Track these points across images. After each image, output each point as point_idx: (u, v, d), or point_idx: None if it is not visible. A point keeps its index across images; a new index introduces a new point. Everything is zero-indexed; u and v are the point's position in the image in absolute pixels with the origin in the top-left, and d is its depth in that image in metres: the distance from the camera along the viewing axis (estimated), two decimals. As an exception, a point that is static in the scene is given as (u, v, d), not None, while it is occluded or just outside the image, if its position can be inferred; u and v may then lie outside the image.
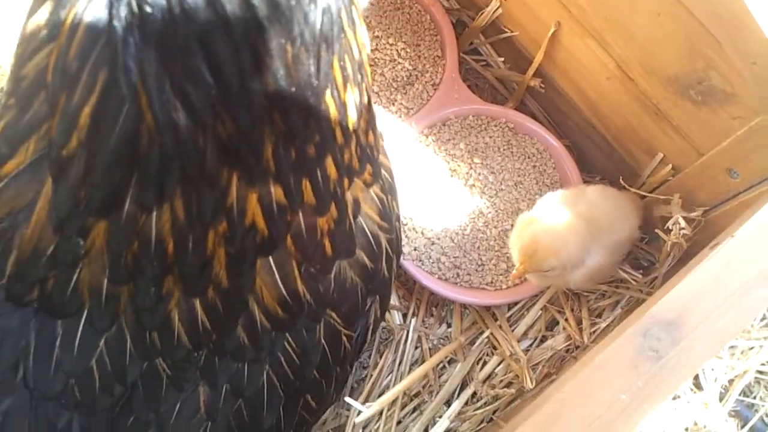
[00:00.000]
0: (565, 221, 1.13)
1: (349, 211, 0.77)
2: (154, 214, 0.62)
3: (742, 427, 1.45)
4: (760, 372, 1.50)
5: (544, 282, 1.24)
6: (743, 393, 1.47)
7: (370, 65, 1.39)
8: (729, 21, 0.91)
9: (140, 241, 0.64)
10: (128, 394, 0.76)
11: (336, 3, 0.61)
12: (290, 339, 0.80)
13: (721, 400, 1.46)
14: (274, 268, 0.73)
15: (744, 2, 0.86)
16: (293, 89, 0.60)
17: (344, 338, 0.85)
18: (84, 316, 0.71)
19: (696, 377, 1.46)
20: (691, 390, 1.45)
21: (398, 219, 0.90)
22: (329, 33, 0.61)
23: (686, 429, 1.42)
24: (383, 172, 0.85)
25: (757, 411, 1.46)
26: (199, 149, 0.59)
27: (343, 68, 0.65)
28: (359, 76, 0.69)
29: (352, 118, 0.70)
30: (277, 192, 0.66)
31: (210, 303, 0.71)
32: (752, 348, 1.50)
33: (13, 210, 0.66)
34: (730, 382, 1.48)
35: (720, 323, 0.82)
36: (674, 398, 1.44)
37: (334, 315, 0.82)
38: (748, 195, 1.03)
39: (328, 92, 0.64)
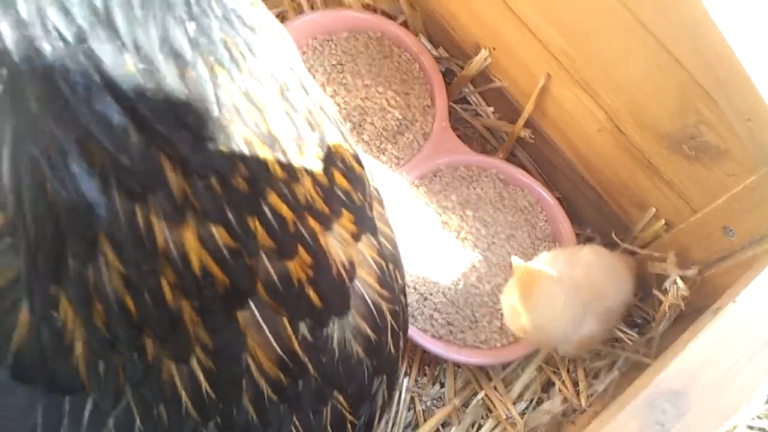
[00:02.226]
0: (560, 295, 1.09)
1: (336, 261, 0.71)
2: (102, 266, 0.57)
3: (736, 483, 1.42)
4: (751, 427, 1.49)
5: (532, 340, 1.19)
6: None
7: (361, 113, 1.37)
8: (723, 77, 0.89)
9: (101, 301, 0.59)
10: None
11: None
12: (297, 421, 0.74)
13: None
14: (264, 326, 0.66)
15: (738, 59, 0.84)
16: (164, 107, 0.54)
17: (348, 425, 0.78)
18: (90, 395, 0.66)
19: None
20: (684, 446, 1.42)
21: (404, 293, 0.84)
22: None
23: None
24: (383, 239, 0.80)
25: None
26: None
27: (248, 95, 0.59)
28: (287, 105, 0.63)
29: (290, 151, 0.63)
30: (220, 233, 0.59)
31: (206, 367, 0.66)
32: (742, 402, 1.48)
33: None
34: None
35: (727, 392, 0.79)
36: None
37: (340, 398, 0.76)
38: (746, 254, 1.01)
39: (237, 121, 0.58)
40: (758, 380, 0.80)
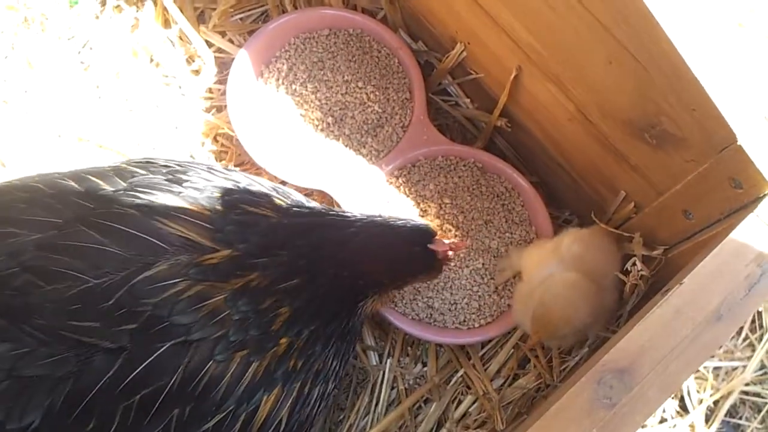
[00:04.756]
0: (572, 284, 1.16)
1: None
2: None
3: (729, 447, 1.49)
4: (745, 392, 1.54)
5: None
6: (729, 414, 1.52)
7: (342, 108, 1.42)
8: (668, 71, 0.94)
9: None
10: None
11: None
12: None
13: (707, 422, 1.49)
14: None
15: (680, 53, 0.89)
16: None
17: None
18: None
19: (681, 399, 1.49)
20: (678, 413, 1.48)
21: None
22: None
23: (674, 452, 1.45)
24: None
25: (743, 431, 1.50)
26: None
27: None
28: None
29: None
30: None
31: None
32: (736, 369, 1.53)
33: None
34: (716, 403, 1.51)
35: (671, 369, 0.85)
36: (661, 421, 1.47)
37: None
38: (703, 236, 1.06)
39: None
40: (701, 358, 0.87)
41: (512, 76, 1.30)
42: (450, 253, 1.13)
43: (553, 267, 1.21)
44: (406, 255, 1.08)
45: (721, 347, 1.55)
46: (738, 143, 0.90)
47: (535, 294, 1.18)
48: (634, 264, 1.13)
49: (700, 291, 0.88)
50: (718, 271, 0.89)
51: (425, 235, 1.09)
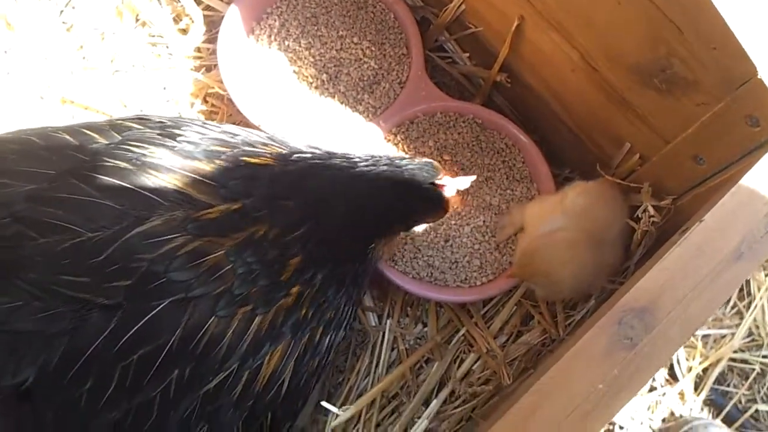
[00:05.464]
0: (567, 242, 1.14)
1: None
2: None
3: (717, 414, 1.50)
4: (733, 360, 1.54)
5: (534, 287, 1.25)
6: (717, 381, 1.53)
7: (336, 65, 1.38)
8: (689, 7, 0.91)
9: None
10: None
11: None
12: None
13: (696, 389, 1.49)
14: None
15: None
16: None
17: None
18: None
19: (671, 368, 1.49)
20: (667, 381, 1.48)
21: None
22: None
23: (663, 420, 1.44)
24: None
25: (731, 398, 1.52)
26: None
27: None
28: None
29: None
30: None
31: None
32: (724, 336, 1.54)
33: None
34: (705, 371, 1.51)
35: (692, 308, 0.83)
36: (650, 390, 1.46)
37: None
38: (715, 180, 1.04)
39: None
40: (724, 295, 0.84)
41: (513, 27, 1.27)
42: (459, 187, 1.12)
43: (558, 220, 1.18)
44: (415, 192, 1.06)
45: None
46: (759, 77, 0.87)
47: (537, 242, 1.15)
48: (645, 210, 1.10)
49: (720, 230, 0.85)
50: (737, 209, 0.86)
51: (432, 172, 1.07)
